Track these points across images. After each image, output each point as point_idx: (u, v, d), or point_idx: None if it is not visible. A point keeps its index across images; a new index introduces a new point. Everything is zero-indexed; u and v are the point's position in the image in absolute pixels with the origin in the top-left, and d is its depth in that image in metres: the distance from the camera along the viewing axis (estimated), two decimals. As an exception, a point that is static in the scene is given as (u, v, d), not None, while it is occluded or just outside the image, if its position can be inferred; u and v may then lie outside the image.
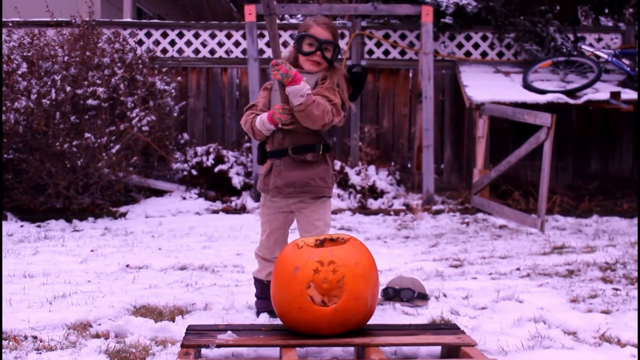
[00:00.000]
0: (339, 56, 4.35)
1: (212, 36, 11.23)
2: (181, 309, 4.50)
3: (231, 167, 10.38)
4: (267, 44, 11.16)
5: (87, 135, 9.05)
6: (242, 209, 9.73)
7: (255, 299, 4.53)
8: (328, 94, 4.15)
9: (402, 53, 11.27)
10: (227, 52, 11.24)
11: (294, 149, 4.23)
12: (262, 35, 11.10)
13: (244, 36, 11.03)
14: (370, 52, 11.26)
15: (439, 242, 7.70)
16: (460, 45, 11.31)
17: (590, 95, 9.99)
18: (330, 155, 4.46)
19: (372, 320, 3.85)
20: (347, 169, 10.25)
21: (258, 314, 4.39)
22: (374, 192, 10.27)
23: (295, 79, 4.02)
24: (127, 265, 6.06)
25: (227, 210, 9.69)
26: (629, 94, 9.95)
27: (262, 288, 4.41)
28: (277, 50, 4.09)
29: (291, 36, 11.23)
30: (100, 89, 9.22)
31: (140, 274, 5.76)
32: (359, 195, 10.02)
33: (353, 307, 3.56)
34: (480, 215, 9.36)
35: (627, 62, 10.62)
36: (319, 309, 3.54)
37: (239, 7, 16.25)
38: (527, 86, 10.22)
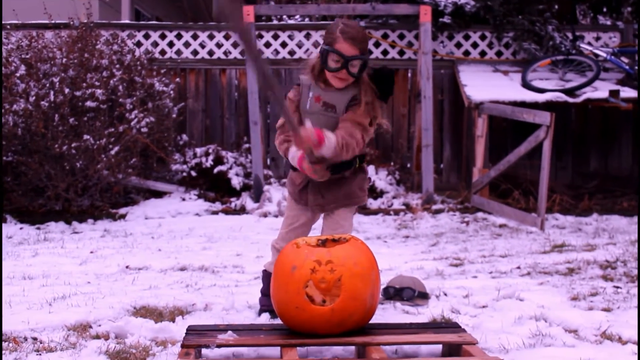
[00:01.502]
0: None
1: (211, 37, 11.22)
2: (181, 310, 4.50)
3: (230, 168, 10.37)
4: (266, 45, 11.16)
5: (86, 137, 9.04)
6: (242, 210, 9.72)
7: (260, 295, 4.50)
8: (357, 118, 4.11)
9: (401, 53, 11.27)
10: (225, 53, 11.24)
11: (332, 169, 4.18)
12: (260, 36, 11.10)
13: (242, 37, 11.00)
14: (369, 52, 11.24)
15: (439, 241, 7.69)
16: (458, 45, 11.31)
17: (589, 93, 9.98)
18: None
19: (373, 319, 3.84)
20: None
21: (260, 312, 4.38)
22: (373, 192, 10.27)
23: (321, 141, 3.92)
24: (127, 267, 6.06)
25: (226, 211, 9.68)
26: (628, 93, 9.95)
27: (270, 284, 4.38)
28: (294, 125, 3.91)
29: (289, 37, 11.23)
30: (99, 91, 9.22)
31: (140, 275, 5.75)
32: (358, 195, 10.00)
33: (351, 307, 3.55)
34: (480, 215, 9.36)
35: (625, 60, 10.62)
36: (316, 309, 3.54)
37: (237, 8, 16.23)
38: (526, 85, 10.21)
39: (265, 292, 4.44)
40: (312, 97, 4.17)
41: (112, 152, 9.19)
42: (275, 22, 12.45)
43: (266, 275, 4.45)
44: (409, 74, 11.31)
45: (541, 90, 10.04)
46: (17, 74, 9.16)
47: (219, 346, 3.51)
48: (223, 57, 11.23)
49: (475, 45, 11.29)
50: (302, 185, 4.32)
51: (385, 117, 4.32)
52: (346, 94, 4.15)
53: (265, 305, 4.37)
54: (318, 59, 4.15)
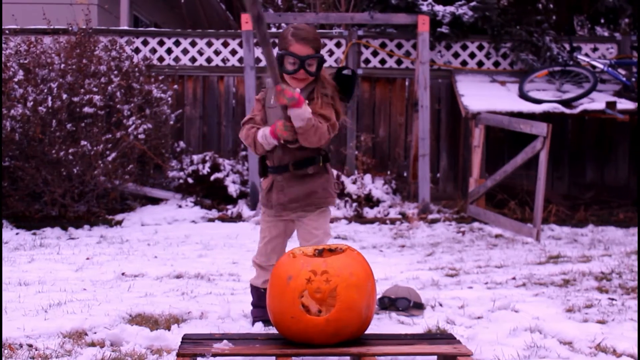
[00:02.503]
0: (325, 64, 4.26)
1: (209, 44, 11.24)
2: (177, 318, 4.50)
3: (227, 176, 10.38)
4: (278, 52, 11.15)
5: (83, 143, 9.05)
6: (238, 217, 9.72)
7: (251, 307, 4.53)
8: (324, 111, 4.15)
9: (399, 62, 11.29)
10: (223, 60, 11.24)
11: (295, 164, 4.23)
12: (258, 44, 11.11)
13: (240, 44, 11.04)
14: (367, 61, 11.27)
15: (434, 251, 7.70)
16: (456, 55, 11.33)
17: (586, 105, 10.01)
18: (330, 165, 4.46)
19: (368, 330, 3.84)
20: (343, 178, 10.25)
21: (253, 322, 4.39)
22: (370, 200, 10.28)
23: (299, 102, 3.99)
24: (123, 274, 6.06)
25: (223, 219, 9.68)
26: (624, 104, 9.98)
27: (259, 296, 4.41)
28: (276, 76, 4.01)
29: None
30: (97, 97, 9.23)
31: (135, 282, 5.75)
32: (355, 204, 10.02)
33: (346, 318, 3.55)
34: (476, 225, 9.37)
35: (622, 72, 10.65)
36: (311, 319, 3.54)
37: (235, 15, 16.27)
38: (523, 96, 10.24)
39: (255, 304, 4.46)
40: (275, 98, 4.19)
41: (109, 158, 9.19)
42: (273, 30, 12.46)
43: (253, 289, 4.47)
44: (407, 83, 11.32)
45: (538, 101, 10.06)
46: (15, 79, 9.16)
47: (214, 355, 3.51)
48: (221, 64, 11.23)
49: (472, 55, 11.31)
50: (268, 188, 4.36)
51: (347, 115, 4.35)
52: (307, 89, 4.22)
53: (257, 316, 4.40)
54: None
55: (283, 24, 12.34)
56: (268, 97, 4.32)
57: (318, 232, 4.30)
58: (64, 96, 9.10)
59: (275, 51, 4.26)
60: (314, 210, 4.30)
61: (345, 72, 4.32)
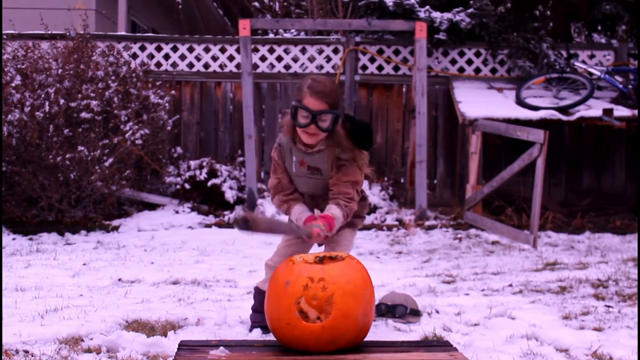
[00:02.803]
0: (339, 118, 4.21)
1: (206, 50, 11.24)
2: (173, 324, 4.49)
3: (224, 181, 10.38)
4: (261, 58, 11.19)
5: (80, 148, 9.04)
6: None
7: (250, 312, 4.51)
8: (349, 177, 4.15)
9: (396, 68, 11.30)
10: (221, 66, 11.25)
11: None
12: (256, 50, 11.12)
13: (238, 50, 11.04)
14: (364, 67, 11.29)
15: (431, 257, 7.70)
16: (453, 61, 11.35)
17: (583, 112, 10.03)
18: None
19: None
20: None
21: (252, 328, 4.38)
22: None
23: (331, 227, 4.02)
24: (120, 279, 6.05)
25: (219, 225, 9.68)
26: (621, 111, 10.00)
27: (262, 300, 4.35)
28: (299, 232, 4.07)
29: (285, 51, 11.24)
30: (94, 102, 9.22)
31: (132, 288, 5.74)
32: (352, 210, 10.00)
33: (342, 325, 3.55)
34: (473, 231, 9.37)
35: (619, 79, 10.67)
36: (306, 325, 3.54)
37: (233, 21, 16.28)
38: (520, 102, 10.25)
39: (256, 309, 4.45)
40: (297, 162, 4.20)
41: (106, 164, 9.19)
42: (271, 35, 12.48)
43: (258, 292, 4.45)
44: (404, 90, 11.34)
45: (535, 108, 10.07)
46: (13, 84, 9.16)
47: (210, 362, 3.51)
48: (219, 70, 11.24)
49: (470, 62, 11.33)
50: None
51: (369, 166, 4.30)
52: (327, 154, 4.15)
53: (256, 321, 4.38)
54: (289, 120, 4.15)
55: (280, 30, 12.38)
56: (288, 161, 4.26)
57: (345, 241, 4.38)
58: (62, 101, 9.09)
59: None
60: (345, 229, 4.35)
61: (359, 124, 4.20)
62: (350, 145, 4.13)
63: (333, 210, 4.07)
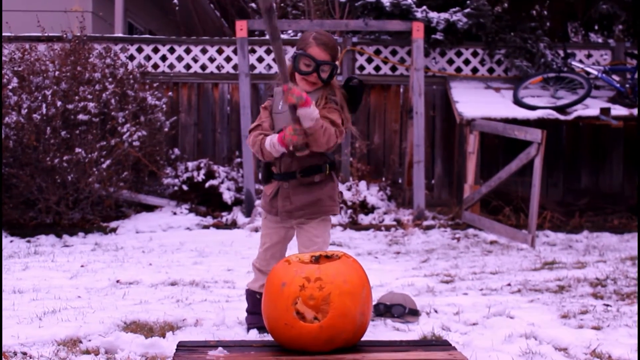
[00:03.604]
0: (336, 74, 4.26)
1: (204, 51, 11.24)
2: (172, 325, 4.49)
3: (222, 183, 10.37)
4: (258, 60, 11.18)
5: (77, 150, 9.03)
6: (233, 224, 9.72)
7: (246, 314, 4.52)
8: (331, 115, 4.14)
9: (393, 69, 11.30)
10: (218, 67, 11.25)
11: (302, 172, 4.22)
12: (253, 51, 11.12)
13: (235, 52, 11.04)
14: (361, 67, 11.29)
15: (429, 257, 7.70)
16: (451, 62, 11.35)
17: (580, 111, 10.03)
18: (336, 173, 4.46)
19: (363, 337, 3.84)
20: (339, 183, 10.24)
21: (248, 329, 4.38)
22: (364, 207, 10.28)
23: (307, 102, 3.96)
24: (118, 281, 6.05)
25: (217, 226, 9.68)
26: (618, 110, 10.00)
27: (254, 301, 4.39)
28: (285, 75, 3.98)
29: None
30: (91, 104, 9.22)
31: (130, 289, 5.74)
32: (349, 211, 10.02)
33: (340, 324, 3.54)
34: (471, 231, 9.38)
35: (616, 78, 10.68)
36: (304, 325, 3.53)
37: (230, 22, 16.27)
38: (518, 102, 10.25)
39: (249, 311, 4.45)
40: (284, 98, 4.17)
41: (104, 166, 9.18)
42: (268, 37, 12.46)
43: (250, 294, 4.46)
44: (401, 90, 11.33)
45: (533, 108, 10.08)
46: (10, 87, 9.15)
47: (209, 362, 3.50)
48: (216, 71, 11.24)
49: (467, 62, 11.33)
50: (272, 194, 4.33)
51: (352, 124, 4.32)
52: (315, 93, 4.21)
53: (252, 323, 4.39)
54: (290, 65, 4.22)
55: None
56: (275, 103, 4.31)
57: (318, 239, 4.30)
58: (59, 103, 9.08)
59: (290, 53, 4.28)
60: (317, 217, 4.30)
61: (352, 82, 4.30)
62: (341, 94, 4.24)
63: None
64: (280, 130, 4.15)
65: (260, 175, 4.41)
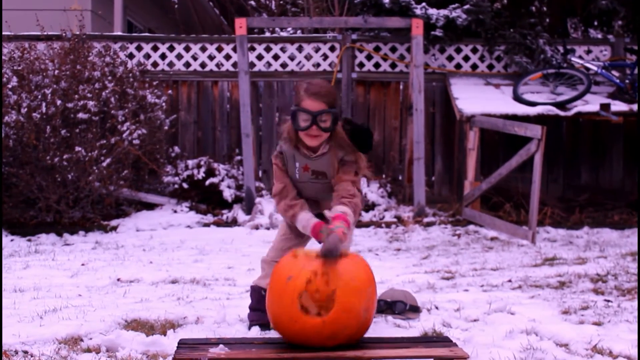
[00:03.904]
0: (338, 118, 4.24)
1: (203, 49, 11.23)
2: (172, 323, 4.48)
3: (222, 180, 10.37)
4: (258, 57, 11.17)
5: (77, 149, 9.03)
6: (234, 222, 9.72)
7: (248, 310, 4.51)
8: (348, 177, 4.15)
9: (393, 66, 11.30)
10: (217, 65, 11.24)
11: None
12: (252, 49, 11.11)
13: (234, 49, 11.03)
14: (361, 64, 11.28)
15: (430, 254, 7.70)
16: (450, 58, 11.34)
17: (580, 107, 10.03)
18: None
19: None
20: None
21: (250, 326, 4.37)
22: (365, 204, 10.27)
23: (348, 223, 3.95)
24: (118, 279, 6.04)
25: (218, 224, 9.67)
26: (618, 106, 10.00)
27: (259, 298, 4.37)
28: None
29: (282, 49, 11.23)
30: (91, 103, 9.22)
31: (131, 287, 5.74)
32: (350, 208, 9.99)
33: (343, 320, 3.55)
34: (471, 227, 9.38)
35: (616, 74, 10.68)
36: (308, 320, 3.53)
37: (229, 20, 16.26)
38: (518, 98, 10.25)
39: (253, 307, 4.44)
40: (300, 168, 4.21)
41: (104, 164, 9.18)
42: (267, 34, 12.47)
43: (255, 290, 4.45)
44: (401, 87, 11.33)
45: (532, 104, 10.08)
46: (9, 86, 9.15)
47: (210, 360, 3.51)
48: (215, 69, 11.23)
49: (466, 58, 11.33)
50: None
51: (367, 166, 4.31)
52: (331, 158, 4.18)
53: (254, 319, 4.38)
54: (290, 126, 4.18)
55: (277, 28, 12.37)
56: (290, 168, 4.25)
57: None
58: (58, 102, 9.08)
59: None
60: None
61: (362, 128, 4.27)
62: (352, 146, 4.18)
63: (342, 208, 4.04)
64: (316, 222, 4.12)
65: None
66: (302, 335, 3.58)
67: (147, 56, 11.15)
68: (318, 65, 11.24)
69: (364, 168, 4.25)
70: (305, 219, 4.16)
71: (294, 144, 4.20)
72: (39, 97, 9.11)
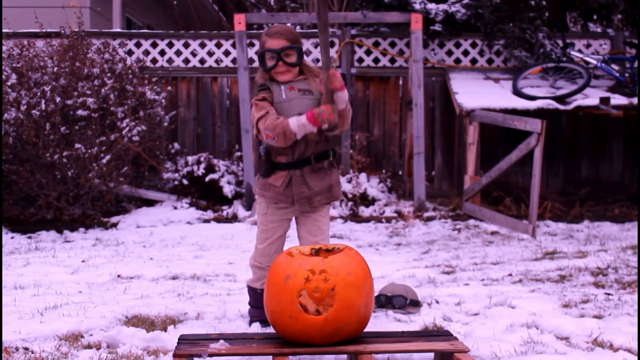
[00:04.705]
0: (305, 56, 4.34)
1: (202, 45, 11.23)
2: (173, 319, 4.49)
3: (222, 176, 10.37)
4: (257, 53, 11.14)
5: (77, 145, 9.03)
6: (234, 218, 9.72)
7: (248, 307, 4.52)
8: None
9: (392, 61, 11.29)
10: (217, 61, 11.24)
11: (316, 157, 4.28)
12: (251, 45, 11.10)
13: (233, 45, 11.03)
14: (360, 60, 11.27)
15: (430, 248, 7.70)
16: (449, 53, 11.33)
17: (580, 101, 10.02)
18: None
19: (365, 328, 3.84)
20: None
21: (251, 323, 4.39)
22: (365, 199, 10.27)
23: (343, 86, 4.11)
24: (119, 276, 6.05)
25: (218, 220, 9.67)
26: (618, 100, 10.00)
27: (256, 297, 4.40)
28: (328, 60, 4.09)
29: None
30: (90, 100, 9.21)
31: (131, 284, 5.75)
32: (350, 203, 10.01)
33: (344, 317, 3.55)
34: (471, 222, 9.37)
35: (616, 67, 10.67)
36: (309, 318, 3.53)
37: (228, 16, 16.24)
38: (517, 92, 10.24)
39: (253, 304, 4.45)
40: (286, 87, 4.27)
41: (104, 161, 9.18)
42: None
43: (251, 290, 4.46)
44: (400, 82, 11.32)
45: (532, 98, 10.07)
46: (8, 83, 9.14)
47: (210, 355, 3.51)
48: (215, 65, 11.23)
49: (466, 53, 11.32)
50: (284, 184, 4.31)
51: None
52: (314, 83, 4.29)
53: (255, 316, 4.40)
54: (261, 71, 4.35)
55: (276, 24, 12.33)
56: (276, 94, 4.29)
57: (325, 227, 4.37)
58: (58, 99, 9.08)
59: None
60: (329, 204, 4.37)
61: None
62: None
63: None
64: (299, 114, 4.17)
65: (260, 169, 4.38)
66: (303, 334, 3.58)
67: (146, 53, 11.14)
68: (317, 60, 11.23)
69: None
70: (295, 118, 4.17)
71: (270, 82, 4.31)
72: (38, 94, 9.11)
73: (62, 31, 10.30)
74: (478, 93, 10.33)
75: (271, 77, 4.30)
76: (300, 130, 4.15)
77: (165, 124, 10.32)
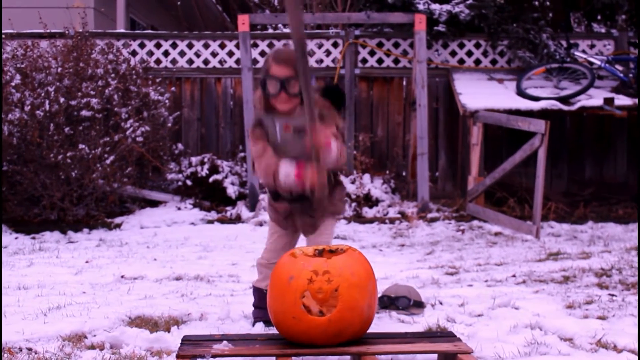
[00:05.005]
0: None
1: (206, 46, 11.24)
2: (176, 320, 4.49)
3: (226, 177, 10.37)
4: (261, 54, 11.17)
5: (81, 146, 9.04)
6: (237, 219, 9.72)
7: (252, 308, 4.52)
8: (333, 130, 4.10)
9: (396, 61, 11.28)
10: (220, 62, 11.24)
11: (313, 192, 4.17)
12: (255, 45, 11.11)
13: (237, 46, 11.03)
14: (364, 60, 11.27)
15: (434, 249, 7.69)
16: (453, 53, 11.33)
17: (584, 101, 10.01)
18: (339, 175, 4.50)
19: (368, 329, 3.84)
20: (342, 178, 10.22)
21: (254, 323, 4.38)
22: (369, 200, 10.26)
23: (328, 143, 3.95)
24: (122, 276, 6.05)
25: (222, 220, 9.67)
26: (622, 100, 9.98)
27: (261, 297, 4.39)
28: (312, 113, 3.85)
29: (285, 46, 11.22)
30: (94, 100, 9.22)
31: (135, 284, 5.75)
32: (354, 204, 10.01)
33: (348, 318, 3.54)
34: (475, 223, 9.37)
35: (620, 68, 10.65)
36: (313, 319, 3.53)
37: (232, 17, 16.26)
38: (521, 93, 10.23)
39: (257, 305, 4.45)
40: (281, 127, 4.19)
41: (108, 162, 9.19)
42: (270, 31, 12.46)
43: (257, 290, 4.46)
44: (404, 83, 11.33)
45: (536, 99, 10.06)
46: (13, 83, 9.15)
47: (214, 356, 3.50)
48: (218, 66, 11.24)
49: (470, 53, 11.32)
50: (286, 213, 4.33)
51: (345, 116, 4.38)
52: (302, 118, 4.11)
53: (259, 316, 4.39)
54: (260, 94, 4.21)
55: (280, 25, 12.36)
56: (271, 133, 4.21)
57: (327, 231, 4.36)
58: (62, 100, 9.08)
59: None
60: (328, 217, 4.36)
61: (331, 87, 4.33)
62: (326, 104, 4.18)
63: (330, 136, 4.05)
64: (293, 157, 4.12)
65: (267, 192, 4.40)
66: (307, 335, 3.57)
67: (150, 53, 11.15)
68: (321, 61, 11.24)
69: (341, 124, 4.25)
70: (285, 169, 4.10)
71: (267, 109, 4.22)
72: (42, 94, 9.12)
73: (66, 32, 10.31)
74: (482, 94, 10.32)
75: (269, 103, 4.19)
76: (287, 182, 4.12)
77: (169, 124, 10.33)
